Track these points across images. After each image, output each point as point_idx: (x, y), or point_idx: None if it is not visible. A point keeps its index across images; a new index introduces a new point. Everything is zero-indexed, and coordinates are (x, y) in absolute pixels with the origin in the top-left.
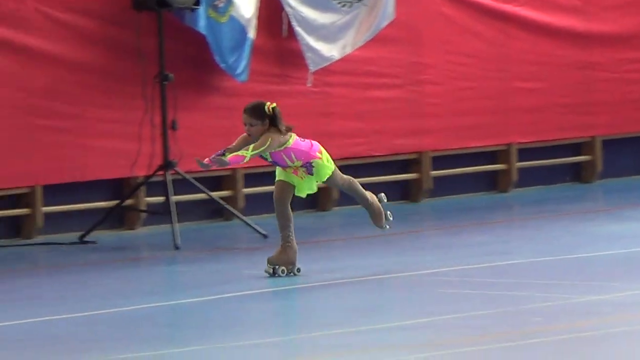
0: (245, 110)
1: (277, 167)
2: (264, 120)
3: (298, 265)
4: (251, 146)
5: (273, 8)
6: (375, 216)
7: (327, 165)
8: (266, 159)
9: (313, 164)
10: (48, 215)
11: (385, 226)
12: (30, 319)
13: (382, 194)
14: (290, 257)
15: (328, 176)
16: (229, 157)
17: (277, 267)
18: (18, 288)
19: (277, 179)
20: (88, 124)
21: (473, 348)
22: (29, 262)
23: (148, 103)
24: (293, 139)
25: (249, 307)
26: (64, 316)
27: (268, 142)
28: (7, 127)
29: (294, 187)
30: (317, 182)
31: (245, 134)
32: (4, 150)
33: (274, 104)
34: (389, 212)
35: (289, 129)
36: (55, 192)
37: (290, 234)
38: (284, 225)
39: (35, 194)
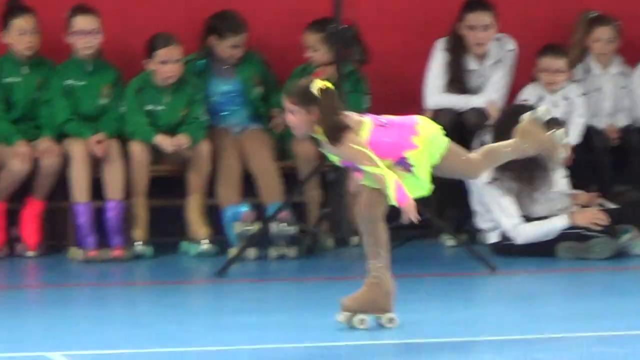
0: (287, 92)
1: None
2: (310, 105)
3: (392, 313)
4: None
5: None
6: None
7: (431, 151)
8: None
9: (408, 159)
10: None
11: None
12: None
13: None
14: (378, 300)
15: (436, 165)
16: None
17: (355, 314)
18: None
19: (361, 182)
20: None
21: None
22: None
23: None
24: (367, 128)
25: None
26: None
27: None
28: None
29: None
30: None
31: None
32: None
33: (327, 84)
34: (558, 132)
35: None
36: None
37: (382, 265)
38: (374, 252)
39: None
